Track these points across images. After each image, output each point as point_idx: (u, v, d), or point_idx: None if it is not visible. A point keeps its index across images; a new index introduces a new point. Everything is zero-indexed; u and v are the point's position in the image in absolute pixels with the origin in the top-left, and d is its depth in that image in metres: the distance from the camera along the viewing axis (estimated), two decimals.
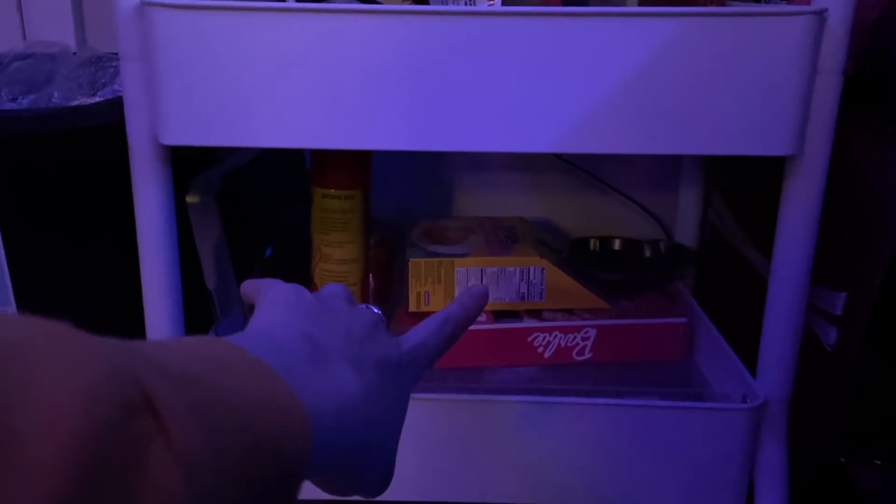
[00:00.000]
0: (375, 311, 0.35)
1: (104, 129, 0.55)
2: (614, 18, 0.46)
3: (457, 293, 0.69)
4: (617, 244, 0.81)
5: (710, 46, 0.47)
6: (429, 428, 0.58)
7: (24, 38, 0.85)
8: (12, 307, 0.56)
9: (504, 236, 0.75)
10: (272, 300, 0.32)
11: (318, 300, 0.33)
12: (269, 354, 0.25)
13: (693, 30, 0.46)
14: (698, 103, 0.48)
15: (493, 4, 0.50)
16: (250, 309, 0.68)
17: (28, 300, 0.56)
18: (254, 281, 0.36)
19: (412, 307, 0.70)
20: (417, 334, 0.36)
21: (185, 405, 0.19)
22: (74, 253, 0.59)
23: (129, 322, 0.58)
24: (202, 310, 0.63)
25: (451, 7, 0.48)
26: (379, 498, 0.59)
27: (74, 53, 0.74)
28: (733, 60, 0.47)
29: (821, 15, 0.47)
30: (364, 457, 0.30)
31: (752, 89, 0.48)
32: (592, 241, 0.82)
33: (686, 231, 0.84)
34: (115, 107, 0.53)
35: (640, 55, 0.47)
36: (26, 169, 0.54)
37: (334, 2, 0.50)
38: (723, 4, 0.57)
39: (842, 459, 0.72)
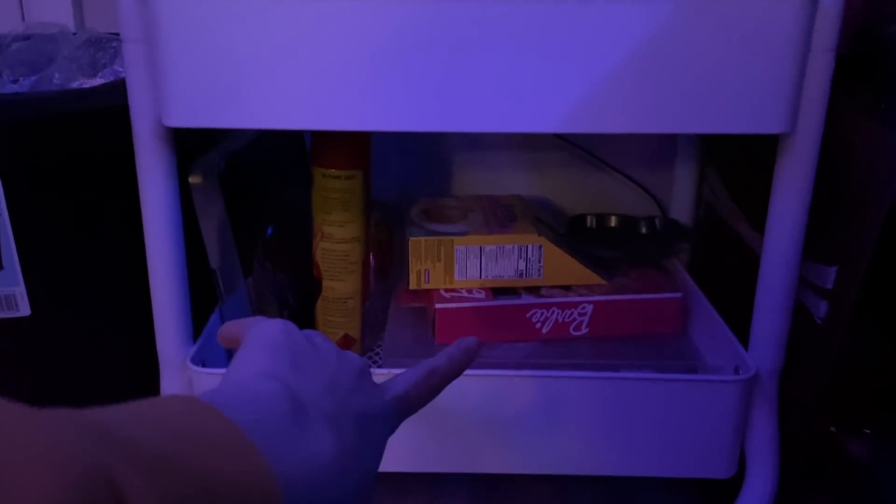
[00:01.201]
0: (358, 358, 0.35)
1: (108, 112, 0.55)
2: (611, 1, 0.47)
3: (456, 271, 0.71)
4: (613, 221, 0.83)
5: (705, 28, 0.48)
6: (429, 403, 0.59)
7: (23, 18, 0.85)
8: (21, 287, 0.57)
9: (502, 214, 0.76)
10: (260, 340, 0.32)
11: (307, 340, 0.33)
12: (247, 416, 0.25)
13: (688, 11, 0.47)
14: (693, 83, 0.49)
15: None
16: (258, 301, 0.69)
17: (36, 281, 0.57)
18: (235, 321, 0.36)
19: (412, 285, 0.71)
20: (402, 384, 0.36)
21: (157, 499, 0.19)
22: (81, 233, 0.60)
23: (137, 302, 0.59)
24: (206, 288, 0.64)
25: None
26: (380, 470, 0.61)
27: (74, 34, 0.75)
28: (727, 41, 0.48)
29: None
30: None
31: (746, 69, 0.48)
32: (589, 218, 0.83)
33: (681, 208, 0.85)
34: (119, 89, 0.54)
35: (636, 37, 0.48)
36: (32, 151, 0.55)
37: None
38: None
39: (833, 429, 0.74)
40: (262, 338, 0.32)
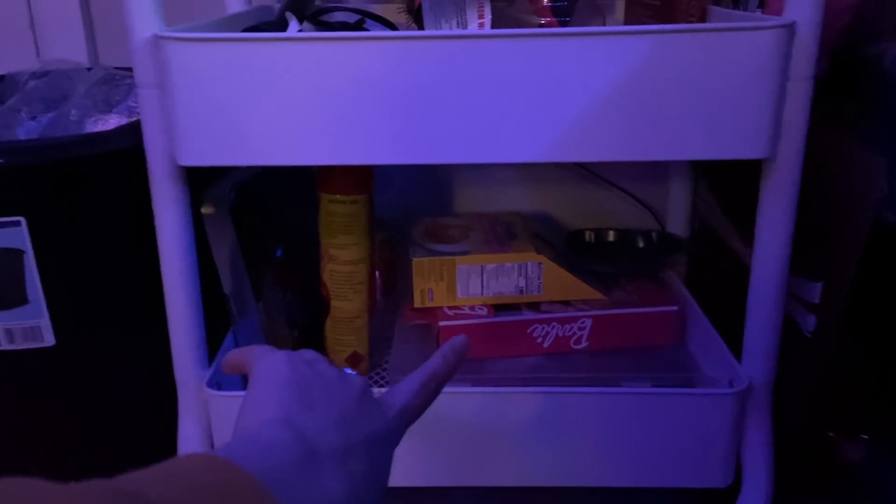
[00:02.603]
0: (359, 378, 0.37)
1: (124, 153, 0.59)
2: (595, 38, 0.50)
3: (458, 289, 0.73)
4: (611, 235, 0.85)
5: (686, 60, 0.50)
6: (436, 419, 0.62)
7: (38, 55, 0.88)
8: (45, 319, 0.60)
9: (502, 232, 0.78)
10: (268, 378, 0.33)
11: (311, 368, 0.34)
12: (261, 466, 0.26)
13: (669, 45, 0.50)
14: (677, 113, 0.51)
15: (482, 26, 0.53)
16: (268, 322, 0.72)
17: (60, 313, 0.61)
18: (240, 350, 0.37)
19: (417, 303, 0.74)
20: (402, 396, 0.37)
21: None
22: (101, 266, 0.63)
23: (155, 329, 0.62)
24: (220, 313, 0.67)
25: (444, 32, 0.52)
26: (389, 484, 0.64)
27: (89, 70, 0.78)
28: (709, 72, 0.50)
29: (790, 28, 0.50)
30: None
31: (728, 98, 0.51)
32: (588, 233, 0.85)
33: (677, 221, 0.87)
34: (133, 130, 0.57)
35: (620, 71, 0.50)
36: (55, 192, 0.58)
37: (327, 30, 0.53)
38: (704, 13, 0.60)
39: (830, 434, 0.76)
40: (269, 376, 0.34)
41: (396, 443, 0.37)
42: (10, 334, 0.60)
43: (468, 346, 0.42)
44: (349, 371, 0.38)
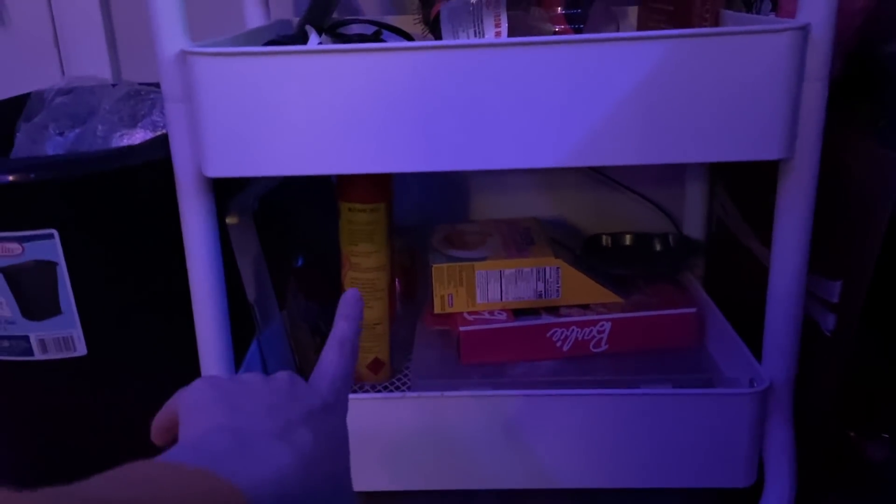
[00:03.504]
0: (284, 373, 0.37)
1: (152, 165, 0.60)
2: (610, 44, 0.51)
3: (478, 295, 0.74)
4: (628, 239, 0.85)
5: (702, 64, 0.51)
6: (457, 422, 0.63)
7: (63, 72, 0.90)
8: (78, 330, 0.62)
9: (520, 238, 0.79)
10: (190, 406, 0.33)
11: (233, 381, 0.35)
12: (196, 458, 0.27)
13: (684, 50, 0.51)
14: (695, 115, 0.52)
15: (499, 35, 0.54)
16: (289, 318, 0.73)
17: (91, 323, 0.62)
18: (163, 410, 0.36)
19: (437, 309, 0.75)
20: (327, 369, 0.38)
21: None
22: (131, 276, 0.64)
23: (183, 337, 0.64)
24: (245, 321, 0.68)
25: (462, 41, 0.53)
26: (410, 487, 0.65)
27: (114, 86, 0.80)
28: (725, 75, 0.51)
29: (804, 30, 0.50)
30: None
31: (744, 100, 0.52)
32: (605, 237, 0.86)
33: (694, 224, 0.88)
34: (160, 144, 0.58)
35: (635, 76, 0.51)
36: (86, 206, 0.60)
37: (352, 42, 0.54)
38: (717, 18, 0.60)
39: (852, 434, 0.76)
40: (189, 404, 0.34)
41: (342, 412, 0.37)
42: (43, 344, 0.62)
43: (360, 297, 0.42)
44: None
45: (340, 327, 0.40)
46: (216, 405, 0.33)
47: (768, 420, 0.61)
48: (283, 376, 0.37)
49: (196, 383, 0.35)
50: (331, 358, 0.39)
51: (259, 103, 0.53)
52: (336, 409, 0.37)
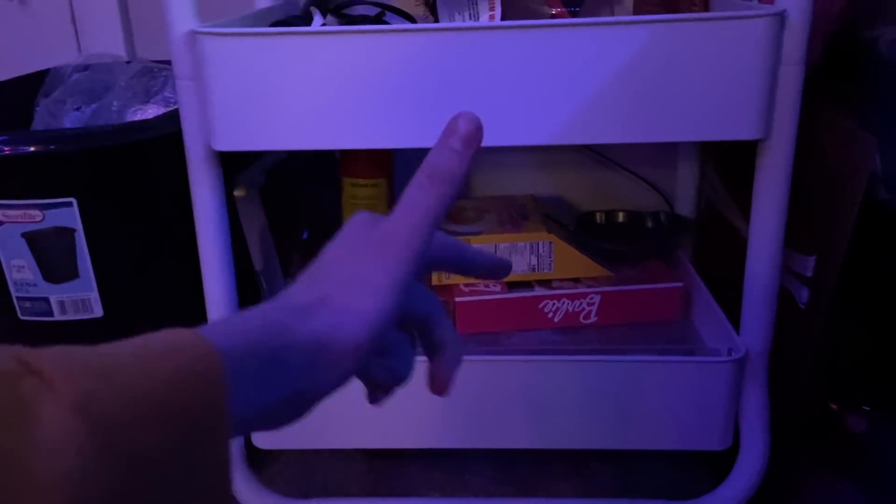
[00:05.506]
0: (363, 214, 0.33)
1: (164, 139, 0.64)
2: (601, 28, 0.53)
3: None
4: (621, 217, 0.88)
5: (685, 47, 0.54)
6: (456, 386, 0.66)
7: (80, 50, 0.94)
8: (94, 292, 0.66)
9: (516, 214, 0.82)
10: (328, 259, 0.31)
11: (376, 225, 0.31)
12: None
13: (670, 34, 0.53)
14: (677, 97, 0.55)
15: (493, 18, 0.57)
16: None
17: (107, 286, 0.66)
18: None
19: (434, 281, 0.78)
20: (407, 206, 0.31)
21: (69, 361, 0.20)
22: (144, 243, 0.68)
23: (192, 301, 0.67)
24: (251, 288, 0.72)
25: (457, 24, 0.56)
26: (409, 446, 0.68)
27: (128, 63, 0.83)
28: (706, 58, 0.54)
29: (780, 16, 0.53)
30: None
31: (723, 82, 0.54)
32: (598, 214, 0.89)
33: (685, 203, 0.91)
34: (172, 119, 0.62)
35: (623, 58, 0.54)
36: (103, 175, 0.64)
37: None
38: (707, 3, 0.63)
39: (833, 406, 0.79)
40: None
41: (416, 251, 0.30)
42: (62, 306, 0.66)
43: (480, 125, 0.33)
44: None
45: (439, 156, 0.31)
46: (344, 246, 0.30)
47: (744, 387, 0.65)
48: (359, 218, 0.32)
49: (357, 217, 0.31)
50: (413, 195, 0.31)
51: (264, 81, 0.56)
52: (408, 250, 0.30)
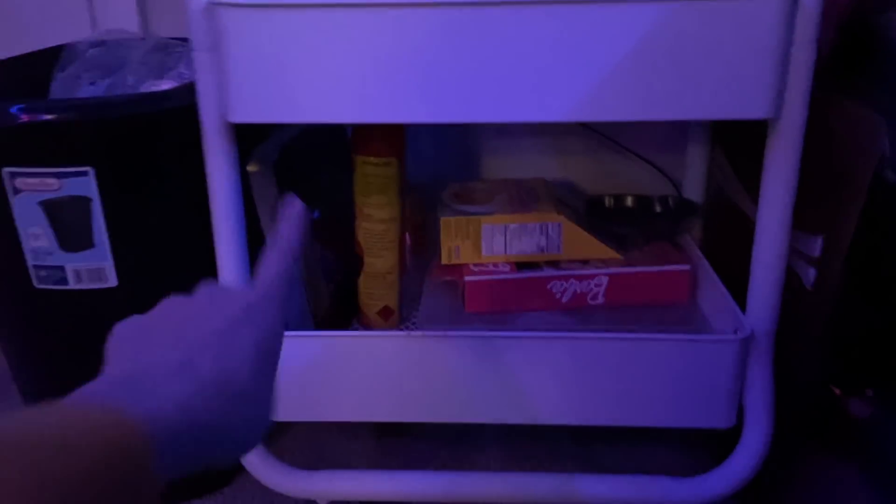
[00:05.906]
0: (205, 287, 0.38)
1: (180, 111, 0.64)
2: (613, 4, 0.54)
3: (483, 247, 0.78)
4: (630, 201, 0.89)
5: (696, 26, 0.54)
6: (459, 361, 0.67)
7: (94, 26, 0.94)
8: (109, 262, 0.66)
9: (526, 196, 0.83)
10: (108, 348, 0.33)
11: (147, 318, 0.35)
12: (100, 395, 0.28)
13: (682, 12, 0.54)
14: (689, 76, 0.55)
15: None
16: (305, 264, 0.77)
17: (122, 256, 0.67)
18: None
19: (444, 260, 0.79)
20: (266, 266, 0.39)
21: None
22: (160, 214, 0.69)
23: (205, 273, 0.68)
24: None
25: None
26: (414, 419, 0.69)
27: (143, 39, 0.84)
28: (717, 37, 0.54)
29: None
30: (243, 405, 0.32)
31: (734, 61, 0.55)
32: (607, 198, 0.89)
33: (693, 187, 0.91)
34: (187, 91, 0.62)
35: (636, 36, 0.54)
36: (120, 146, 0.65)
37: None
38: None
39: (836, 390, 0.80)
40: (109, 346, 0.33)
41: (277, 308, 0.36)
42: (77, 275, 0.67)
43: (302, 205, 0.42)
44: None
45: (282, 229, 0.41)
46: (116, 357, 0.33)
47: (749, 367, 0.65)
48: (202, 291, 0.37)
49: (116, 325, 0.35)
50: (270, 257, 0.39)
51: (282, 53, 0.57)
52: (272, 305, 0.36)
